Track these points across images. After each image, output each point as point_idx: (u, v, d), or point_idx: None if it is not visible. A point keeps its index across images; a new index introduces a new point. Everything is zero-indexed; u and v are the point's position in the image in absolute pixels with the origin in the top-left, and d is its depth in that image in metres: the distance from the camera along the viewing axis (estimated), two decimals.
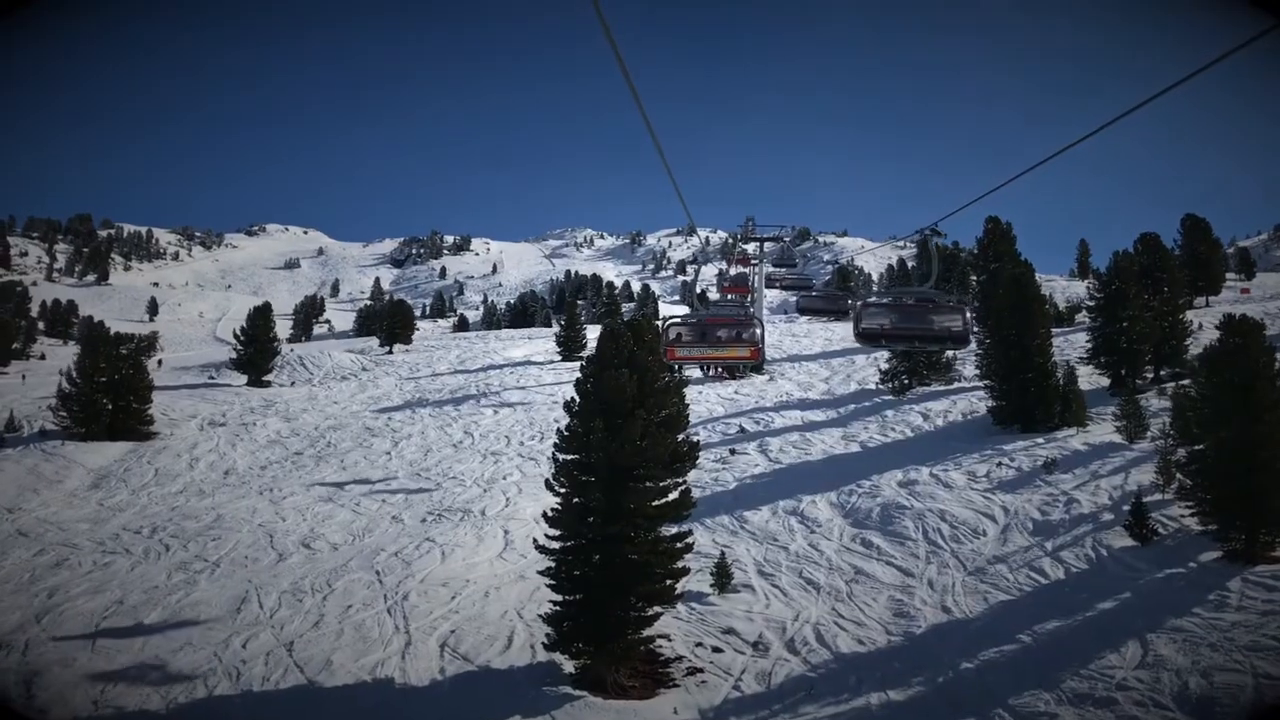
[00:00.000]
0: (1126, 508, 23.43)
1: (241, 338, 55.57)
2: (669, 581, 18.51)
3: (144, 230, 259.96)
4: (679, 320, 17.11)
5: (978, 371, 41.22)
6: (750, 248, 49.40)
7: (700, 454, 31.17)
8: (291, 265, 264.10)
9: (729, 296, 33.91)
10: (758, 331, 15.89)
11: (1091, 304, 37.02)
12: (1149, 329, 34.97)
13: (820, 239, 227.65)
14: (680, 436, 19.64)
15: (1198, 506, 21.17)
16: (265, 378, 55.49)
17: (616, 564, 18.12)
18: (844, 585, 22.14)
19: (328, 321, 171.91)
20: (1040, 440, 30.47)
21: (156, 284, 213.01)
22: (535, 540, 19.01)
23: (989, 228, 56.89)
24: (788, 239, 52.81)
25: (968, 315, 13.14)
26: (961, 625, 19.53)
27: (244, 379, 55.06)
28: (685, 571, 18.80)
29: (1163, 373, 36.33)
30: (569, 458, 18.97)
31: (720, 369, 46.05)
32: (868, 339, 13.69)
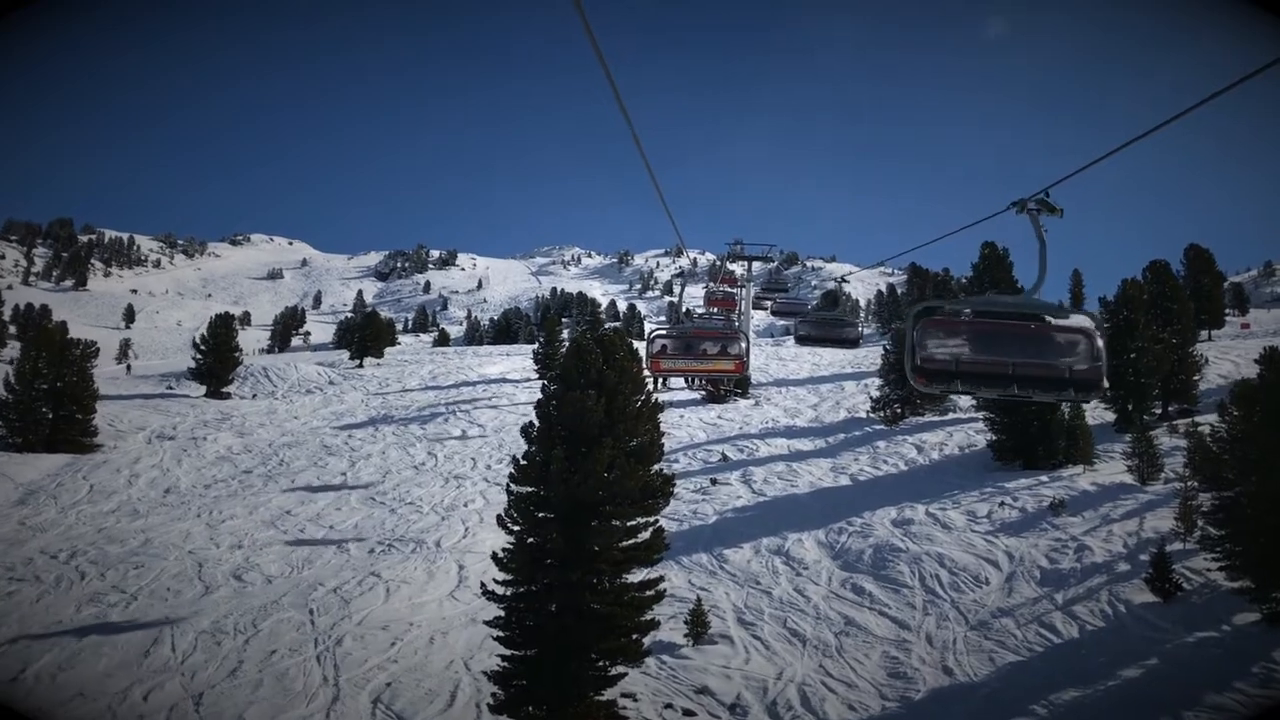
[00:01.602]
0: (1144, 557, 21.35)
1: (202, 346, 52.76)
2: (636, 636, 16.16)
3: (126, 236, 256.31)
4: (665, 332, 16.38)
5: (974, 402, 39.17)
6: (738, 270, 47.47)
7: (678, 485, 28.74)
8: (275, 276, 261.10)
9: (714, 310, 32.03)
10: (743, 345, 15.09)
11: None
12: (1158, 362, 32.94)
13: (808, 263, 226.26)
14: (654, 468, 17.33)
15: (1228, 559, 19.04)
16: (225, 389, 52.75)
17: (576, 615, 15.75)
18: (833, 638, 19.84)
19: (307, 333, 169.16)
20: (1044, 479, 28.31)
21: (135, 291, 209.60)
22: (484, 584, 16.61)
23: (985, 253, 55.10)
24: (777, 260, 50.82)
25: (1098, 344, 7.63)
26: (965, 690, 17.27)
27: (203, 390, 52.31)
28: (654, 625, 16.45)
29: (1171, 408, 34.29)
30: (524, 490, 16.63)
31: (704, 382, 44.05)
32: (936, 379, 7.89)
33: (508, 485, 16.81)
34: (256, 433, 41.99)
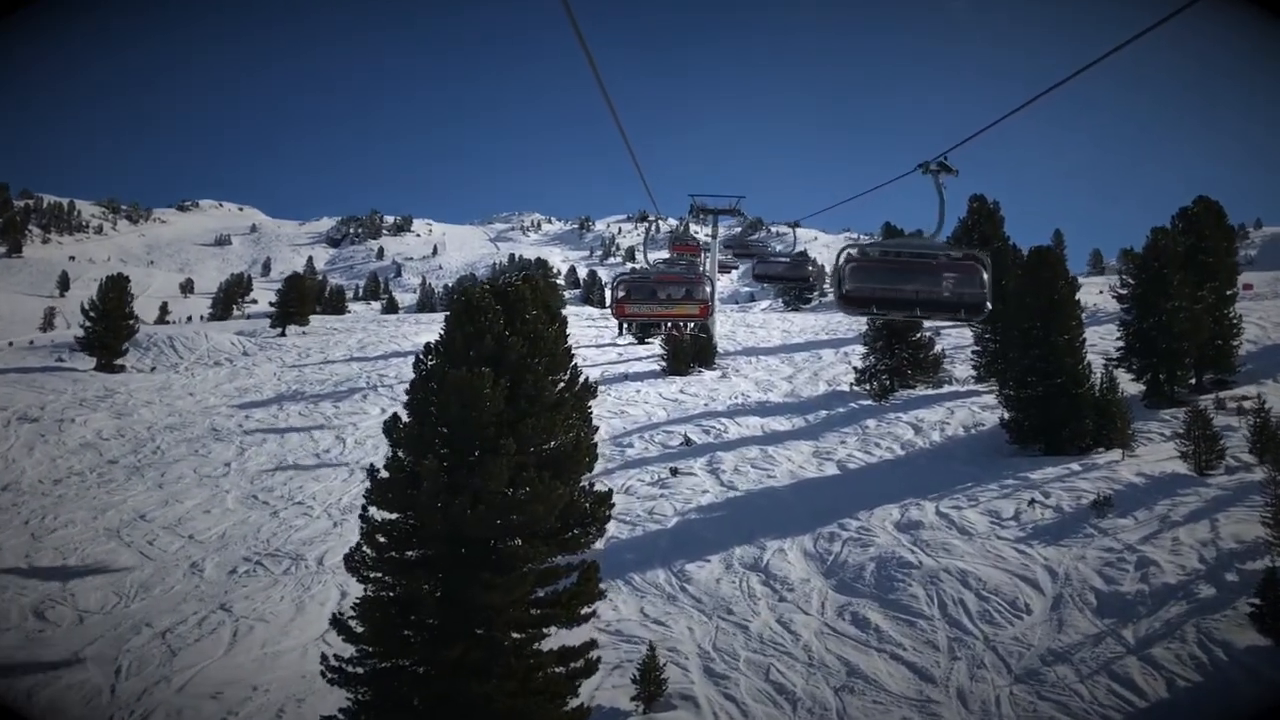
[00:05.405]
0: (1231, 576, 16.45)
1: (91, 313, 46.06)
2: None
3: (66, 202, 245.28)
4: (629, 277, 15.64)
5: (974, 374, 34.18)
6: (702, 235, 42.33)
7: (633, 476, 23.73)
8: (222, 242, 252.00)
9: (678, 254, 27.86)
10: (707, 289, 13.78)
11: (1124, 293, 29.94)
12: (1193, 325, 27.91)
13: (774, 229, 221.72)
14: (583, 482, 11.89)
15: None
16: (120, 361, 46.29)
17: (462, 710, 10.32)
18: (832, 696, 14.67)
19: (254, 301, 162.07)
20: (1075, 467, 23.26)
21: (73, 258, 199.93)
22: (325, 657, 11.05)
23: (974, 207, 49.94)
24: (747, 218, 45.35)
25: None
26: None
27: (94, 363, 45.78)
28: (583, 715, 11.06)
29: (1206, 379, 29.39)
30: (386, 518, 11.10)
31: (669, 327, 39.53)
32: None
33: (363, 508, 11.26)
34: (138, 413, 35.76)
